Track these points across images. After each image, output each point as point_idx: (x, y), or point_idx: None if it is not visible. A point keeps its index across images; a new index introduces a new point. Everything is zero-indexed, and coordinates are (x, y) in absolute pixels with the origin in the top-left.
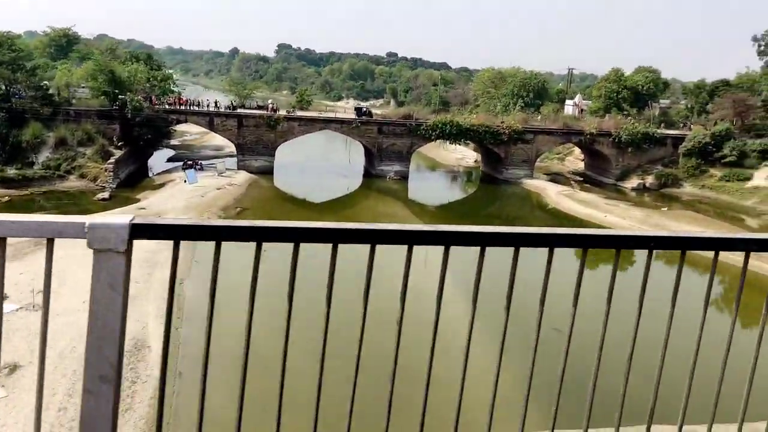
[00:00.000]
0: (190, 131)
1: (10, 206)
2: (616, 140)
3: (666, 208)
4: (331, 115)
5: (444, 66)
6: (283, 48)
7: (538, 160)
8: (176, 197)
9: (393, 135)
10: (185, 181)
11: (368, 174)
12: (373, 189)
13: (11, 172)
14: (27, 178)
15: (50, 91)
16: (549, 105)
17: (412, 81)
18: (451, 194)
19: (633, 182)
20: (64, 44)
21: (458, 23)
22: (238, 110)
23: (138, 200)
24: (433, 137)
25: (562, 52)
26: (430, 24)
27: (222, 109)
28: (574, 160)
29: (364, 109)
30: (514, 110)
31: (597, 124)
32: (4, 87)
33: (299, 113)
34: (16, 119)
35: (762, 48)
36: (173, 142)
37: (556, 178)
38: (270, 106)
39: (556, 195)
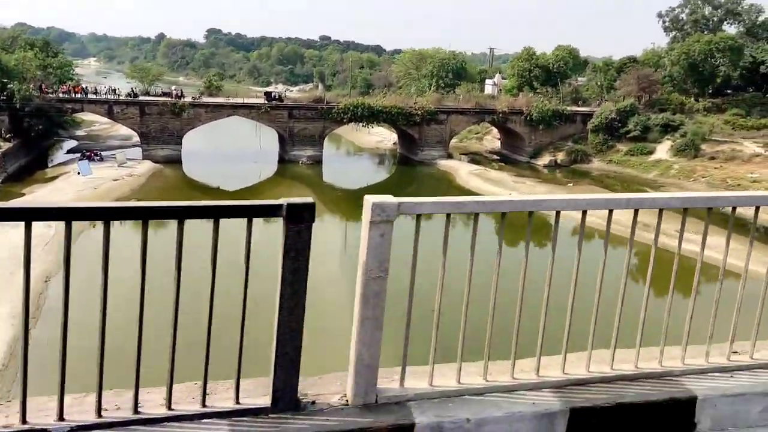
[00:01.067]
0: (99, 120)
1: None
2: (528, 118)
3: (572, 184)
4: (239, 100)
5: (378, 49)
6: (212, 33)
7: (457, 140)
8: (65, 190)
9: (304, 119)
10: (78, 173)
11: (282, 160)
12: (287, 175)
13: None
14: None
15: None
16: (466, 85)
17: (339, 64)
18: (367, 177)
19: (545, 159)
20: None
21: (391, 5)
22: (140, 97)
23: (23, 194)
24: (345, 120)
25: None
26: (363, 6)
27: (123, 97)
28: (492, 139)
29: (274, 94)
30: (429, 91)
31: (508, 103)
32: None
33: (214, 99)
34: None
35: (667, 24)
36: (79, 132)
37: (474, 158)
38: (175, 92)
39: (466, 175)
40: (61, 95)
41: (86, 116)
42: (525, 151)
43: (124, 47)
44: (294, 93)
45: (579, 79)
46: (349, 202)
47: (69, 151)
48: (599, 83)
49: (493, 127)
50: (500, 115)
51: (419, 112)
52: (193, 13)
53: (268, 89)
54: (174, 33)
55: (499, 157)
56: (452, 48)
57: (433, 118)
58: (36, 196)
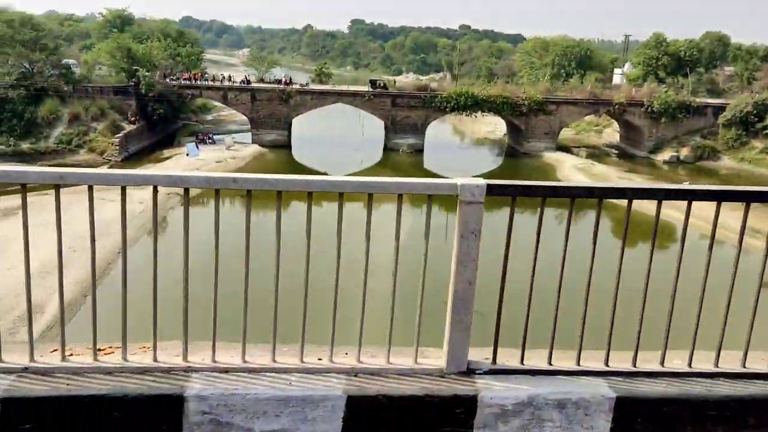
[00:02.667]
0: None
1: None
2: (649, 110)
3: (688, 182)
4: (344, 87)
5: (517, 38)
6: (356, 23)
7: (575, 132)
8: (171, 170)
9: (407, 107)
10: (187, 155)
11: (385, 147)
12: (388, 164)
13: (25, 146)
14: (39, 152)
15: (77, 70)
16: (592, 74)
17: (467, 53)
18: (472, 168)
19: (666, 155)
20: (118, 25)
21: None
22: (252, 84)
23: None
24: (447, 109)
25: (639, 18)
26: None
27: (237, 84)
28: (613, 132)
29: (379, 82)
30: (543, 80)
31: (627, 93)
32: (28, 66)
33: (320, 87)
34: (36, 96)
35: None
36: (209, 117)
37: (591, 151)
38: (284, 79)
39: (569, 168)
40: (182, 82)
41: (216, 102)
42: (644, 146)
43: (276, 38)
44: (424, 81)
45: (726, 68)
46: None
47: (191, 134)
48: (739, 73)
49: (615, 120)
50: (616, 106)
51: (526, 102)
52: (339, 4)
53: (377, 79)
54: (321, 24)
55: (617, 152)
56: (594, 35)
57: (541, 108)
58: None
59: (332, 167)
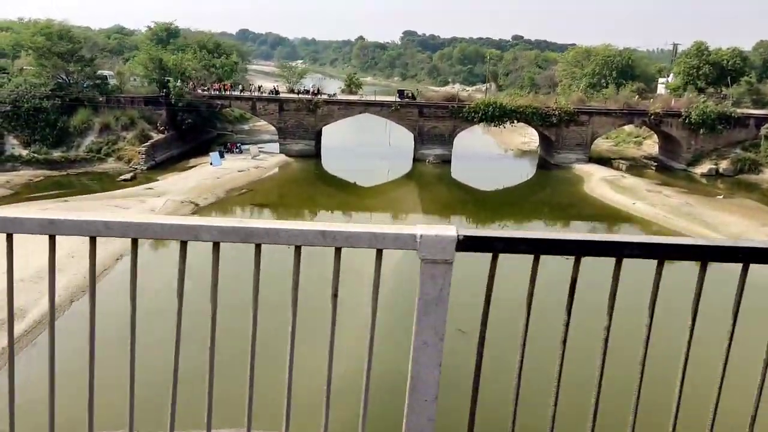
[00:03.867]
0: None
1: (38, 187)
2: (686, 121)
3: (722, 197)
4: (372, 98)
5: (571, 47)
6: (408, 35)
7: (613, 143)
8: (191, 178)
9: (434, 118)
10: (211, 164)
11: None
12: (414, 174)
13: (56, 154)
14: (69, 160)
15: (112, 81)
16: (631, 84)
17: (512, 64)
18: (500, 178)
19: (705, 167)
20: (164, 37)
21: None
22: (280, 95)
23: (156, 180)
24: (475, 120)
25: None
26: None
27: (265, 94)
28: (653, 144)
29: (407, 93)
30: (577, 90)
31: (664, 103)
32: (65, 77)
33: (347, 97)
34: (70, 106)
35: None
36: (245, 127)
37: (630, 163)
38: (312, 89)
39: (597, 181)
40: (212, 92)
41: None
42: (682, 158)
43: (328, 50)
44: (469, 92)
45: None
46: (485, 205)
47: (223, 144)
48: None
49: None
50: (652, 117)
51: (556, 113)
52: (392, 17)
53: (402, 88)
54: (374, 36)
55: (656, 164)
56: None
57: (573, 119)
58: (162, 183)
59: (360, 177)
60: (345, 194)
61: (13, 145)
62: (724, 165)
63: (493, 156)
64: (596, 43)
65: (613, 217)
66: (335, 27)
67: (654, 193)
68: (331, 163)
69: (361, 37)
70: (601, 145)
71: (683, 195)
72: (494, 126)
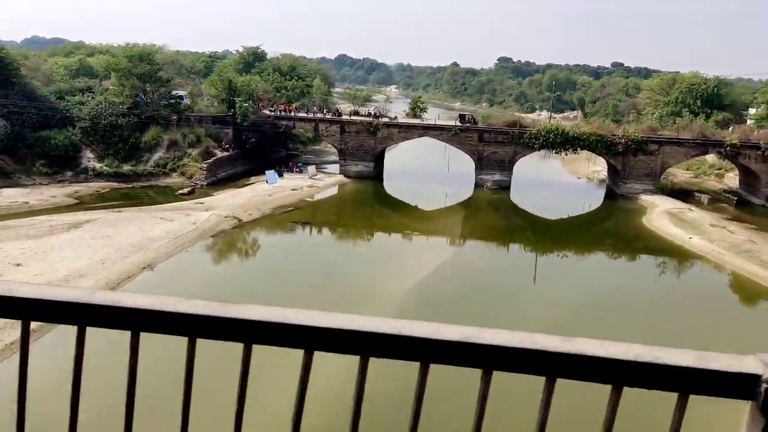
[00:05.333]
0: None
1: (103, 197)
2: (766, 153)
3: None
4: (431, 122)
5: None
6: (502, 61)
7: (693, 175)
8: (243, 195)
9: (495, 143)
10: (267, 182)
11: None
12: (473, 199)
13: (126, 168)
14: (137, 173)
15: (187, 100)
16: (716, 114)
17: (600, 91)
18: (566, 208)
19: None
20: (251, 61)
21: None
22: (343, 117)
23: (211, 195)
24: (536, 146)
25: None
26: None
27: (327, 116)
28: (735, 177)
29: (468, 117)
30: (652, 118)
31: (741, 134)
32: (143, 96)
33: (407, 120)
34: (144, 123)
35: None
36: (317, 147)
37: (710, 197)
38: (374, 112)
39: (659, 213)
40: (278, 113)
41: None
42: (762, 192)
43: (422, 75)
44: (557, 120)
45: None
46: (536, 233)
47: (284, 163)
48: None
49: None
50: (728, 148)
51: (622, 141)
52: (487, 43)
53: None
54: (469, 62)
55: (735, 198)
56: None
57: (641, 147)
58: (214, 198)
59: (418, 199)
60: (399, 216)
61: (89, 158)
62: None
63: (561, 184)
64: (705, 72)
65: (665, 251)
66: (432, 53)
67: (717, 228)
68: (390, 186)
69: (454, 63)
70: (680, 176)
71: (750, 231)
72: (556, 153)
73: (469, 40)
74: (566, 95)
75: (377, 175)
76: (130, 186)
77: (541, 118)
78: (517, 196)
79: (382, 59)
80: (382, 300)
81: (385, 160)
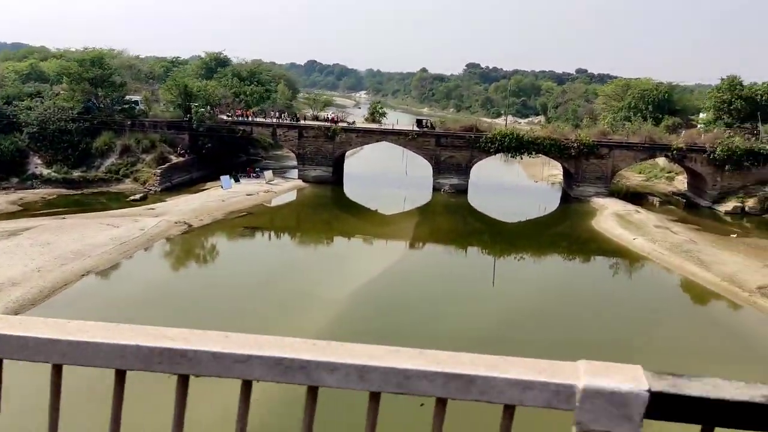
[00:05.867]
0: None
1: (50, 204)
2: (711, 157)
3: (735, 235)
4: (389, 126)
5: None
6: (471, 67)
7: (645, 178)
8: (196, 201)
9: (451, 147)
10: (222, 187)
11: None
12: (432, 203)
13: (75, 174)
14: (88, 180)
15: (141, 106)
16: (668, 119)
17: (561, 96)
18: (523, 211)
19: (729, 205)
20: (213, 66)
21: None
22: (301, 122)
23: (164, 201)
24: (492, 150)
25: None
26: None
27: (286, 121)
28: (684, 180)
29: (425, 121)
30: (604, 122)
31: (688, 138)
32: (95, 100)
33: (365, 125)
34: (96, 129)
35: None
36: (279, 152)
37: (660, 199)
38: (332, 117)
39: (607, 215)
40: (235, 118)
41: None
42: (708, 195)
43: (391, 81)
44: (522, 125)
45: None
46: (492, 236)
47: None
48: None
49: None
50: (675, 151)
51: (575, 145)
52: (456, 50)
53: (420, 117)
54: (439, 68)
55: (684, 200)
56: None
57: (592, 151)
58: (167, 204)
59: (374, 203)
60: (357, 220)
61: (37, 165)
62: (750, 203)
63: (519, 187)
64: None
65: (611, 252)
66: (402, 59)
67: (661, 230)
68: (350, 190)
69: (423, 69)
70: (633, 179)
71: (693, 232)
72: (512, 157)
73: (439, 46)
74: (531, 101)
75: (337, 180)
76: (80, 192)
77: (473, 122)
78: (475, 200)
79: (352, 65)
80: (321, 304)
81: (347, 166)
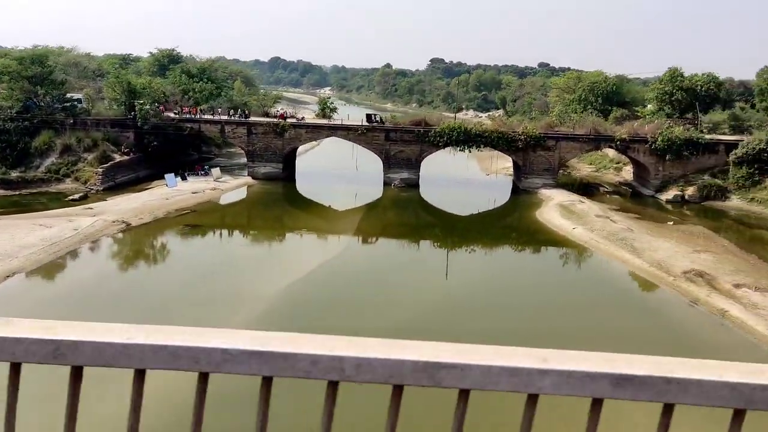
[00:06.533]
0: None
1: None
2: (652, 147)
3: (671, 222)
4: (339, 122)
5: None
6: (435, 62)
7: (594, 169)
8: (138, 200)
9: (401, 142)
10: (167, 185)
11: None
12: (384, 197)
13: (14, 174)
14: (27, 180)
15: (83, 104)
16: (617, 110)
17: (519, 90)
18: (477, 204)
19: (670, 194)
20: (166, 63)
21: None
22: (250, 119)
23: (104, 200)
24: (441, 144)
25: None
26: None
27: (233, 118)
28: (631, 170)
29: (375, 116)
30: (551, 115)
31: (630, 129)
32: (35, 99)
33: (314, 121)
34: (36, 128)
35: None
36: (232, 150)
37: (608, 189)
38: (281, 113)
39: (552, 205)
40: (182, 115)
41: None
42: (651, 184)
43: (356, 77)
44: (483, 119)
45: None
46: (444, 229)
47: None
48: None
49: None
50: (618, 142)
51: (522, 137)
52: (420, 45)
53: (370, 112)
54: (403, 63)
55: (630, 190)
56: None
57: (539, 143)
58: (107, 203)
59: (326, 198)
60: (309, 216)
61: None
62: (690, 191)
63: (471, 181)
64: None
65: (551, 242)
66: (367, 55)
67: (601, 219)
68: (301, 186)
69: (387, 65)
70: (583, 170)
71: (632, 221)
72: (460, 150)
73: (404, 42)
74: (492, 95)
75: (288, 177)
76: (17, 193)
77: (467, 117)
78: (427, 194)
79: (318, 62)
80: (250, 300)
81: (302, 162)
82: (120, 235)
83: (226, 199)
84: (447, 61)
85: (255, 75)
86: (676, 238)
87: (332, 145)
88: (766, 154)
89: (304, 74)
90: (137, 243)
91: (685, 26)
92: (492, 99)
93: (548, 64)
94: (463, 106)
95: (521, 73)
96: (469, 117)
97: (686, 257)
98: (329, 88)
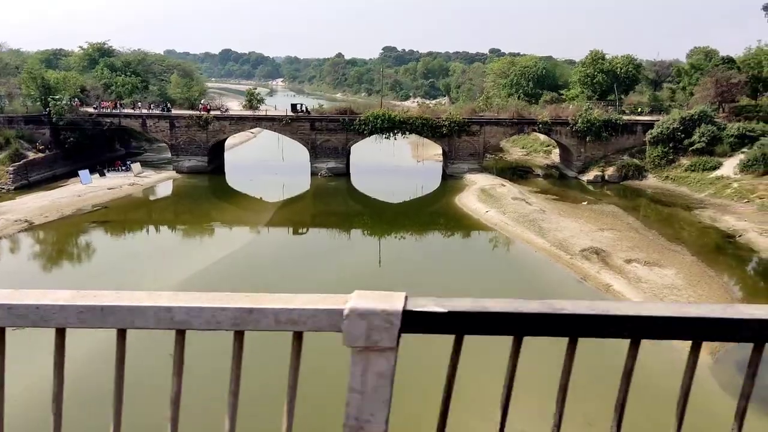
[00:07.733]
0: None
1: None
2: (573, 129)
3: (586, 203)
4: (263, 113)
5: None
6: (387, 51)
7: (525, 152)
8: (48, 197)
9: (327, 131)
10: (81, 182)
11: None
12: (313, 187)
13: None
14: None
15: None
16: (547, 94)
17: (463, 76)
18: (407, 191)
19: (591, 174)
20: (96, 57)
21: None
22: (172, 112)
23: (13, 199)
24: (366, 132)
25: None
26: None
27: (155, 111)
28: (558, 153)
29: (300, 106)
30: (479, 99)
31: (552, 112)
32: None
33: (238, 112)
34: None
35: None
36: (163, 144)
37: (538, 172)
38: (203, 106)
39: (473, 190)
40: (101, 110)
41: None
42: (574, 165)
43: (308, 67)
44: (432, 106)
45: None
46: (374, 217)
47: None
48: (684, 87)
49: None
50: (540, 125)
51: (446, 123)
52: (373, 34)
53: (294, 102)
54: (356, 53)
55: (558, 172)
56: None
57: (464, 129)
58: (18, 201)
59: (254, 190)
60: (236, 209)
61: None
62: (609, 172)
63: (402, 168)
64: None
65: (464, 225)
66: (320, 45)
67: (517, 201)
68: (231, 179)
69: (339, 54)
70: (515, 153)
71: (549, 202)
72: (385, 138)
73: (357, 30)
74: (439, 82)
75: (215, 170)
76: None
77: (414, 105)
78: (359, 182)
79: (270, 53)
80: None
81: (233, 155)
82: (19, 234)
83: (147, 195)
84: (399, 49)
85: (205, 68)
86: (585, 218)
87: (269, 139)
88: (679, 133)
89: (256, 66)
90: (37, 242)
91: (637, 7)
92: (438, 86)
93: (499, 50)
94: (411, 94)
95: (471, 59)
96: (415, 105)
97: (588, 236)
98: (281, 79)
